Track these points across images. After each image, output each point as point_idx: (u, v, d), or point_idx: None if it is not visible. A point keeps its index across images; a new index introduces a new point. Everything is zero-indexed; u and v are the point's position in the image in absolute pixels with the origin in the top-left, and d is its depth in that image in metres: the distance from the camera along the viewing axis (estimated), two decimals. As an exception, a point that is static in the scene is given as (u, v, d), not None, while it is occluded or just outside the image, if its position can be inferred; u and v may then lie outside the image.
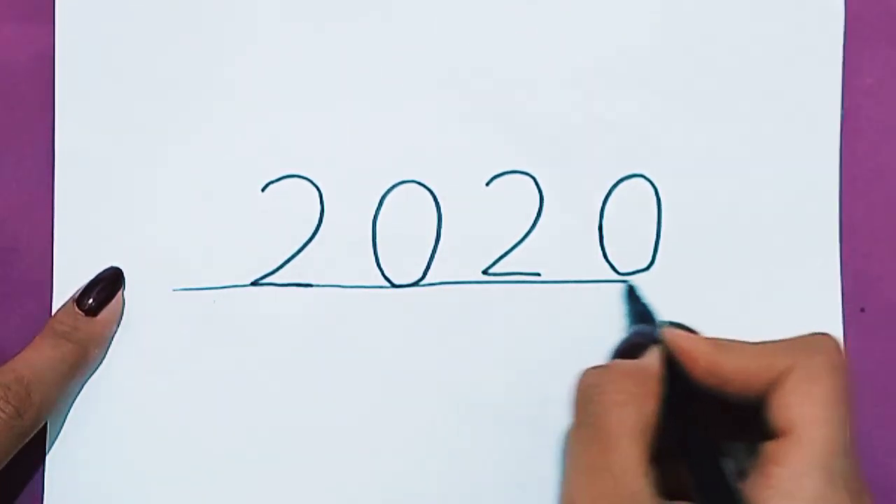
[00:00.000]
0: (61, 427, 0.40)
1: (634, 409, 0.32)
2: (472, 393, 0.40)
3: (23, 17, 0.42)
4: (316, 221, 0.41)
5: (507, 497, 0.40)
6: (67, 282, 0.40)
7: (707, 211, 0.41)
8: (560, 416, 0.39)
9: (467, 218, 0.41)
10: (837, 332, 0.41)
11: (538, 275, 0.41)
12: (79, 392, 0.40)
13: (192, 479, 0.40)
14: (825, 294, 0.41)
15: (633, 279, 0.40)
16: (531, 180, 0.41)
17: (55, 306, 0.40)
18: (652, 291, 0.40)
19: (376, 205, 0.41)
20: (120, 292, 0.40)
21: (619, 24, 0.41)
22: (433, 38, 0.41)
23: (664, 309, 0.40)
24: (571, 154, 0.41)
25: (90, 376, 0.40)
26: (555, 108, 0.41)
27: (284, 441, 0.40)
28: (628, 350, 0.36)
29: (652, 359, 0.34)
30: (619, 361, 0.35)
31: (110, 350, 0.40)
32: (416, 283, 0.41)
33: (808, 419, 0.31)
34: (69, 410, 0.40)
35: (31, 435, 0.38)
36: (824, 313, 0.41)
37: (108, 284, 0.40)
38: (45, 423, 0.39)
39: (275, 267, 0.41)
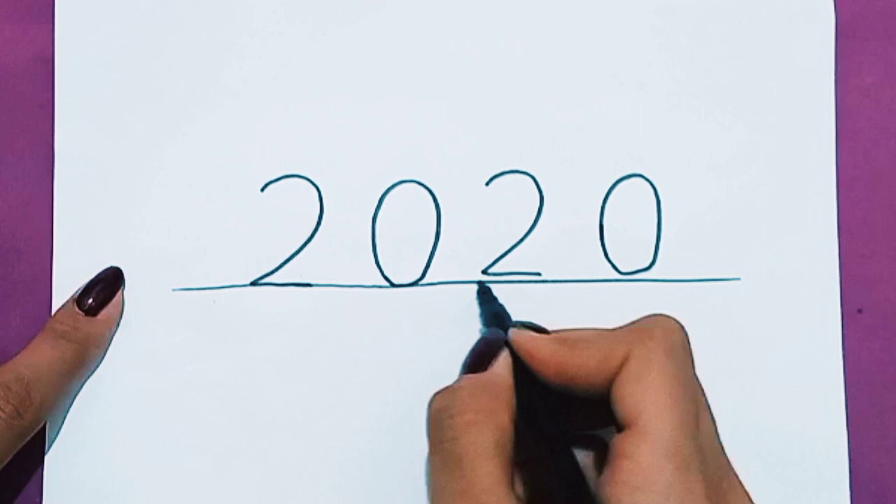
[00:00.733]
0: (60, 427, 0.40)
1: (488, 427, 0.31)
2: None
3: (23, 17, 0.42)
4: (315, 221, 0.41)
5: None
6: (67, 281, 0.40)
7: (706, 211, 0.41)
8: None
9: (467, 217, 0.41)
10: (835, 333, 0.41)
11: (538, 274, 0.41)
12: (78, 392, 0.40)
13: (191, 478, 0.40)
14: (823, 295, 0.41)
15: (634, 278, 0.40)
16: (531, 180, 0.41)
17: (55, 306, 0.40)
18: (653, 291, 0.40)
19: (376, 204, 0.41)
20: (120, 292, 0.40)
21: (616, 25, 0.41)
22: (433, 38, 0.41)
23: (664, 309, 0.40)
24: (571, 154, 0.41)
25: (90, 376, 0.40)
26: (555, 108, 0.41)
27: (284, 441, 0.40)
28: (479, 358, 0.35)
29: (501, 367, 0.34)
30: (466, 378, 0.34)
31: (110, 350, 0.40)
32: (415, 283, 0.41)
33: (648, 408, 0.30)
34: (68, 410, 0.40)
35: (31, 435, 0.38)
36: (822, 314, 0.41)
37: (107, 284, 0.40)
38: (45, 423, 0.39)
39: (274, 267, 0.41)
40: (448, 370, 0.40)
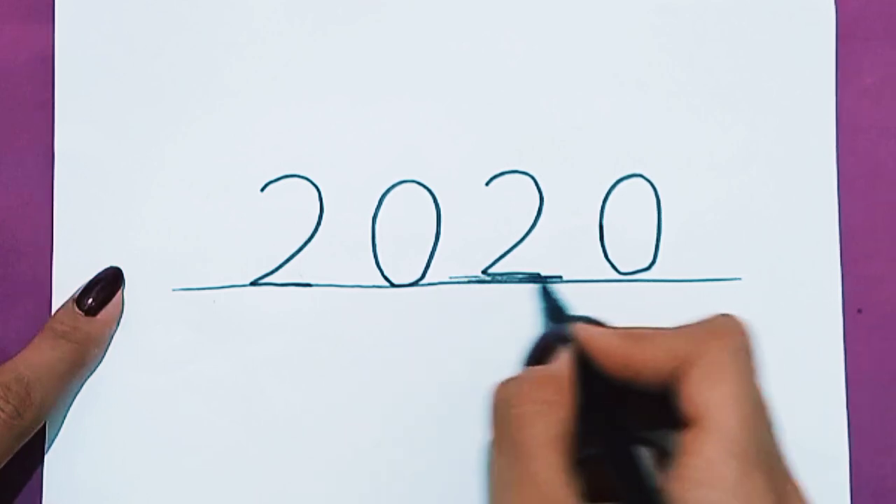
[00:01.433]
0: (60, 427, 0.40)
1: (550, 419, 0.31)
2: (472, 393, 0.40)
3: (23, 17, 0.42)
4: (315, 221, 0.41)
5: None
6: (67, 281, 0.40)
7: (706, 211, 0.41)
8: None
9: (467, 217, 0.41)
10: (836, 333, 0.41)
11: (538, 275, 0.41)
12: (78, 392, 0.40)
13: (191, 478, 0.40)
14: (824, 295, 0.41)
15: (634, 278, 0.40)
16: (531, 180, 0.41)
17: (55, 306, 0.40)
18: (653, 291, 0.40)
19: (376, 204, 0.41)
20: (119, 292, 0.40)
21: (616, 25, 0.41)
22: (433, 38, 0.41)
23: (665, 308, 0.40)
24: (571, 154, 0.41)
25: (89, 376, 0.40)
26: (555, 108, 0.41)
27: (284, 440, 0.40)
28: (541, 353, 0.35)
29: (563, 362, 0.34)
30: (530, 370, 0.34)
31: (110, 350, 0.40)
32: (415, 283, 0.41)
33: (716, 406, 0.30)
34: (68, 410, 0.40)
35: (31, 435, 0.38)
36: (824, 314, 0.41)
37: (107, 284, 0.40)
38: (45, 423, 0.39)
39: (274, 267, 0.41)
40: (448, 370, 0.40)
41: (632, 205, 0.41)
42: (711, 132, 0.41)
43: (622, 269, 0.41)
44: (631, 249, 0.41)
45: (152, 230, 0.41)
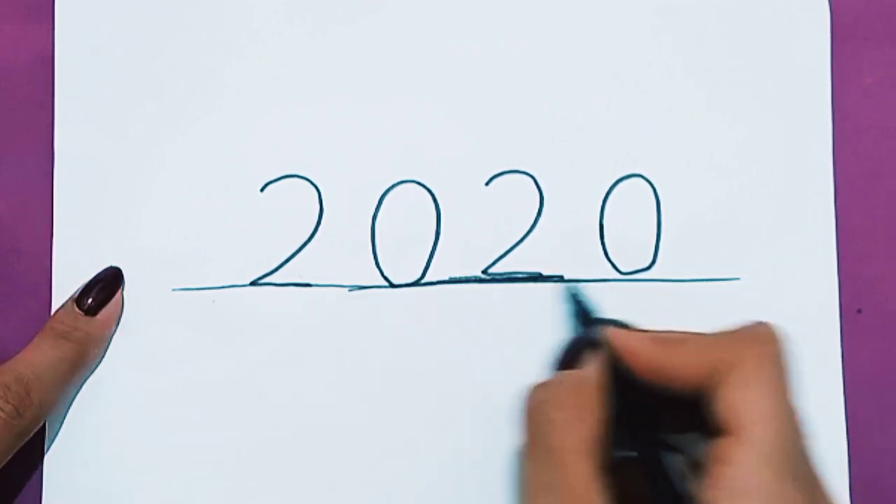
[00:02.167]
0: (60, 427, 0.40)
1: (583, 425, 0.31)
2: (472, 393, 0.40)
3: (22, 17, 0.42)
4: (315, 221, 0.41)
5: (507, 496, 0.40)
6: (67, 281, 0.40)
7: (705, 211, 0.41)
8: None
9: (467, 217, 0.41)
10: (835, 333, 0.41)
11: (538, 274, 0.41)
12: (77, 392, 0.40)
13: (190, 479, 0.40)
14: (822, 295, 0.41)
15: (634, 278, 0.41)
16: (531, 180, 0.41)
17: (55, 306, 0.40)
18: (652, 290, 0.40)
19: (375, 204, 0.41)
20: (119, 292, 0.40)
21: (616, 25, 0.41)
22: (433, 38, 0.41)
23: (664, 307, 0.40)
24: (571, 154, 0.41)
25: (89, 376, 0.40)
26: (555, 108, 0.41)
27: (283, 441, 0.40)
28: (571, 357, 0.35)
29: (594, 366, 0.34)
30: (562, 375, 0.34)
31: (109, 350, 0.40)
32: (415, 283, 0.41)
33: (754, 416, 0.30)
34: (68, 410, 0.40)
35: (31, 434, 0.38)
36: (821, 314, 0.41)
37: (107, 284, 0.40)
38: (44, 423, 0.39)
39: (274, 267, 0.41)
40: (448, 370, 0.40)
41: (631, 205, 0.41)
42: (710, 133, 0.41)
43: (622, 269, 0.41)
44: (631, 249, 0.41)
45: (152, 230, 0.41)
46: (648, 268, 0.41)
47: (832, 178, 0.41)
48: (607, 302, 0.40)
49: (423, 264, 0.41)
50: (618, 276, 0.41)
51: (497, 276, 0.41)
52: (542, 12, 0.41)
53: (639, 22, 0.41)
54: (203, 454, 0.40)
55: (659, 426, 0.33)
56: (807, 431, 0.32)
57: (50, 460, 0.40)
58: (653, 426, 0.33)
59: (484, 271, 0.41)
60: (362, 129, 0.41)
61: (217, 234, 0.41)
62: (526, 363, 0.40)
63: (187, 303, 0.41)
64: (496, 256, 0.41)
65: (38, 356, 0.38)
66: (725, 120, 0.41)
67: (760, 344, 0.32)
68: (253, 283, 0.41)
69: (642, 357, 0.33)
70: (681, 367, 0.32)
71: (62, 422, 0.40)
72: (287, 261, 0.41)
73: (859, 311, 0.41)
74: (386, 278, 0.41)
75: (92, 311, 0.39)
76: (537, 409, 0.32)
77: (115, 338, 0.40)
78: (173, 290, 0.41)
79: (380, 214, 0.41)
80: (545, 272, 0.41)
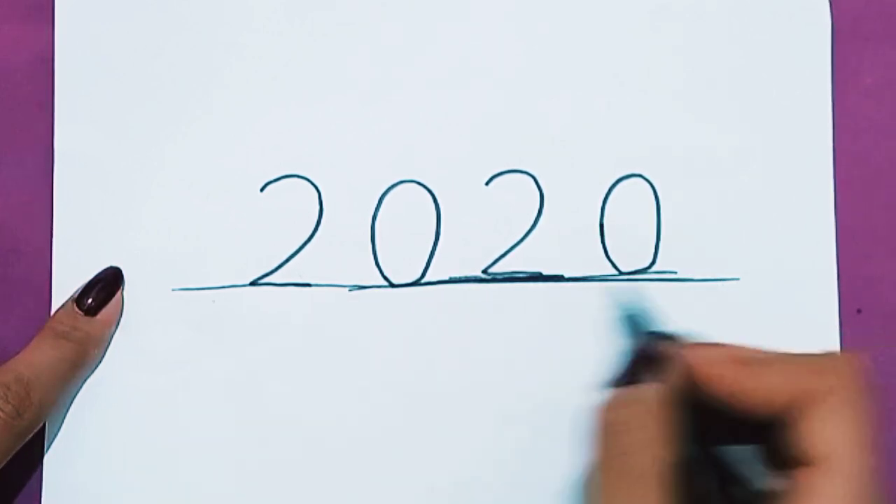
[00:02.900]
0: (60, 427, 0.40)
1: (660, 448, 0.31)
2: (472, 393, 0.40)
3: (22, 17, 0.42)
4: (315, 221, 0.41)
5: (507, 496, 0.40)
6: (67, 282, 0.40)
7: (705, 211, 0.41)
8: (561, 416, 0.40)
9: (467, 217, 0.41)
10: (834, 333, 0.41)
11: (539, 274, 0.41)
12: (77, 392, 0.40)
13: (190, 478, 0.40)
14: (822, 295, 0.41)
15: (634, 277, 0.40)
16: (531, 179, 0.41)
17: (55, 306, 0.40)
18: (653, 290, 0.40)
19: (375, 204, 0.41)
20: (119, 292, 0.40)
21: (616, 25, 0.41)
22: (432, 38, 0.41)
23: (665, 307, 0.40)
24: (571, 153, 0.41)
25: (89, 376, 0.40)
26: (555, 108, 0.41)
27: (283, 440, 0.40)
28: (649, 369, 0.34)
29: (669, 384, 0.33)
30: (637, 392, 0.33)
31: (109, 350, 0.40)
32: (415, 283, 0.41)
33: (843, 448, 0.30)
34: (67, 410, 0.40)
35: (31, 435, 0.38)
36: (821, 314, 0.41)
37: (107, 284, 0.40)
38: (44, 423, 0.39)
39: (274, 267, 0.41)
40: (448, 370, 0.40)
41: (632, 204, 0.41)
42: (710, 132, 0.41)
43: (623, 269, 0.41)
44: (631, 248, 0.41)
45: (152, 230, 0.41)
46: (648, 267, 0.41)
47: (832, 178, 0.41)
48: (610, 301, 0.40)
49: (423, 264, 0.41)
50: (618, 275, 0.41)
51: (497, 276, 0.41)
52: (542, 12, 0.41)
53: (639, 22, 0.41)
54: (203, 454, 0.40)
55: (721, 438, 0.33)
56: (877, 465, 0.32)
57: (50, 460, 0.40)
58: (723, 447, 0.33)
59: (484, 271, 0.41)
60: (362, 129, 0.41)
61: (217, 234, 0.41)
62: (526, 363, 0.40)
63: (187, 303, 0.41)
64: (496, 256, 0.41)
65: (38, 356, 0.38)
66: (725, 120, 0.41)
67: (847, 374, 0.31)
68: (253, 283, 0.41)
69: (726, 381, 0.32)
70: (762, 392, 0.31)
71: (62, 422, 0.40)
72: (287, 261, 0.41)
73: (859, 311, 0.41)
74: (386, 278, 0.41)
75: (92, 312, 0.39)
76: (615, 428, 0.32)
77: (115, 338, 0.40)
78: (173, 290, 0.41)
79: (380, 214, 0.41)
80: (545, 272, 0.41)
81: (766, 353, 0.33)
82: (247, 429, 0.40)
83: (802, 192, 0.41)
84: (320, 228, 0.41)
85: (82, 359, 0.39)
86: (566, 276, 0.41)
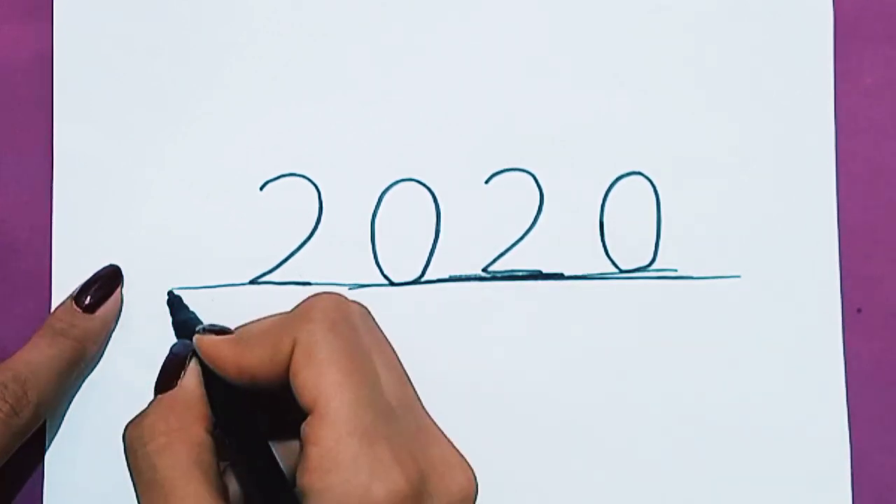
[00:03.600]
0: (60, 425, 0.40)
1: (181, 446, 0.31)
2: (472, 391, 0.40)
3: (21, 16, 0.42)
4: (314, 220, 0.41)
5: (505, 496, 0.39)
6: (66, 280, 0.40)
7: (706, 209, 0.41)
8: (561, 415, 0.39)
9: (467, 216, 0.41)
10: (836, 331, 0.41)
11: (539, 272, 0.41)
12: (77, 390, 0.40)
13: (190, 478, 0.40)
14: (823, 293, 0.41)
15: (635, 275, 0.40)
16: (531, 178, 0.41)
17: (54, 305, 0.40)
18: (653, 288, 0.40)
19: (375, 203, 0.41)
20: (118, 290, 0.40)
21: (616, 25, 0.41)
22: (432, 37, 0.41)
23: (665, 305, 0.40)
24: (571, 151, 0.41)
25: (88, 374, 0.40)
26: (554, 107, 0.41)
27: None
28: (168, 374, 0.34)
29: (190, 379, 0.33)
30: (157, 400, 0.34)
31: (110, 348, 0.40)
32: (415, 282, 0.41)
33: (322, 389, 0.30)
34: (68, 409, 0.40)
35: (29, 433, 0.38)
36: (823, 312, 0.41)
37: (105, 282, 0.40)
38: (45, 422, 0.39)
39: (273, 265, 0.41)
40: (447, 368, 0.40)
41: (632, 202, 0.41)
42: (711, 131, 0.41)
43: (623, 266, 0.41)
44: (631, 246, 0.41)
45: (151, 229, 0.41)
46: (649, 265, 0.41)
47: (834, 177, 0.41)
48: (608, 299, 0.40)
49: (423, 262, 0.41)
50: (618, 273, 0.41)
51: (497, 274, 0.41)
52: (542, 12, 0.41)
53: (639, 21, 0.41)
54: (202, 454, 0.40)
55: (268, 423, 0.33)
56: (396, 374, 0.32)
57: (50, 459, 0.40)
58: (259, 422, 0.33)
59: (484, 269, 0.41)
60: (362, 128, 0.41)
61: (216, 232, 0.41)
62: (526, 361, 0.40)
63: (187, 301, 0.40)
64: (496, 254, 0.41)
65: (36, 354, 0.38)
66: (727, 118, 0.41)
67: (311, 318, 0.31)
68: (252, 282, 0.41)
69: (223, 361, 0.32)
70: (256, 362, 0.32)
71: (62, 420, 0.40)
72: (286, 259, 0.41)
73: (859, 310, 0.41)
74: (386, 277, 0.41)
75: (90, 309, 0.39)
76: (135, 444, 0.32)
77: (114, 336, 0.40)
78: (173, 288, 0.41)
79: (379, 213, 0.41)
80: (545, 270, 0.41)
81: (266, 322, 0.33)
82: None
83: (804, 189, 0.41)
84: (320, 227, 0.41)
85: (80, 356, 0.39)
86: (566, 274, 0.41)
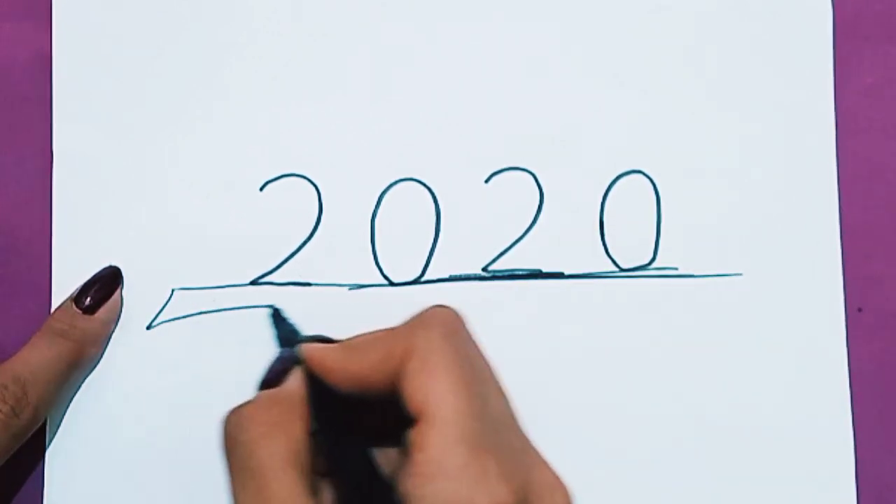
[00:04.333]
0: (60, 426, 0.40)
1: (280, 438, 0.31)
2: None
3: (20, 16, 0.42)
4: (314, 220, 0.41)
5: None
6: (66, 281, 0.40)
7: (706, 208, 0.41)
8: (562, 414, 0.39)
9: (466, 215, 0.41)
10: (839, 330, 0.41)
11: (539, 271, 0.40)
12: (77, 391, 0.40)
13: (190, 478, 0.40)
14: (826, 292, 0.41)
15: (635, 274, 0.40)
16: (531, 177, 0.41)
17: (54, 306, 0.40)
18: (653, 286, 0.40)
19: (375, 203, 0.41)
20: (118, 291, 0.40)
21: (616, 25, 0.41)
22: (432, 37, 0.41)
23: (665, 304, 0.40)
24: (571, 151, 0.41)
25: (88, 375, 0.40)
26: (554, 106, 0.41)
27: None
28: (275, 377, 0.35)
29: (294, 382, 0.33)
30: (259, 395, 0.34)
31: (110, 349, 0.40)
32: (415, 282, 0.41)
33: (433, 396, 0.30)
34: (67, 409, 0.40)
35: (29, 434, 0.38)
36: (825, 311, 0.41)
37: (105, 283, 0.40)
38: (45, 422, 0.39)
39: (273, 266, 0.41)
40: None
41: (632, 201, 0.41)
42: (711, 130, 0.41)
43: (623, 265, 0.41)
44: (632, 245, 0.41)
45: (152, 230, 0.41)
46: (649, 264, 0.41)
47: (835, 173, 0.41)
48: (608, 298, 0.40)
49: (423, 262, 0.41)
50: (618, 272, 0.40)
51: (497, 274, 0.41)
52: (542, 11, 0.41)
53: (639, 21, 0.42)
54: (203, 454, 0.40)
55: (369, 430, 0.33)
56: (502, 394, 0.32)
57: (51, 459, 0.40)
58: (361, 432, 0.33)
59: (484, 269, 0.41)
60: (361, 128, 0.41)
61: (217, 233, 0.41)
62: (527, 361, 0.40)
63: (187, 302, 0.40)
64: (496, 254, 0.41)
65: (36, 355, 0.38)
66: (727, 118, 0.41)
67: (428, 326, 0.32)
68: (253, 283, 0.41)
69: (331, 368, 0.32)
70: (365, 369, 0.32)
71: (62, 421, 0.40)
72: (287, 260, 0.41)
73: (860, 310, 0.41)
74: (386, 277, 0.41)
75: (90, 310, 0.39)
76: (234, 431, 0.32)
77: (114, 337, 0.40)
78: (173, 289, 0.41)
79: (379, 213, 0.41)
80: (546, 269, 0.41)
81: (377, 333, 0.33)
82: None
83: (805, 188, 0.41)
84: (320, 227, 0.41)
85: (80, 357, 0.39)
86: (566, 273, 0.40)
